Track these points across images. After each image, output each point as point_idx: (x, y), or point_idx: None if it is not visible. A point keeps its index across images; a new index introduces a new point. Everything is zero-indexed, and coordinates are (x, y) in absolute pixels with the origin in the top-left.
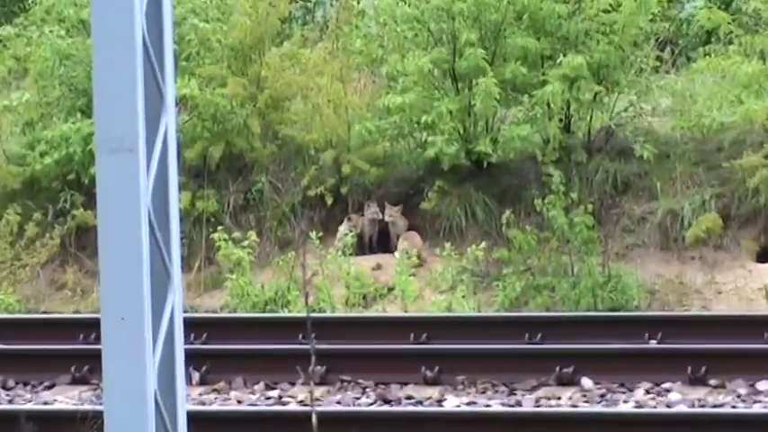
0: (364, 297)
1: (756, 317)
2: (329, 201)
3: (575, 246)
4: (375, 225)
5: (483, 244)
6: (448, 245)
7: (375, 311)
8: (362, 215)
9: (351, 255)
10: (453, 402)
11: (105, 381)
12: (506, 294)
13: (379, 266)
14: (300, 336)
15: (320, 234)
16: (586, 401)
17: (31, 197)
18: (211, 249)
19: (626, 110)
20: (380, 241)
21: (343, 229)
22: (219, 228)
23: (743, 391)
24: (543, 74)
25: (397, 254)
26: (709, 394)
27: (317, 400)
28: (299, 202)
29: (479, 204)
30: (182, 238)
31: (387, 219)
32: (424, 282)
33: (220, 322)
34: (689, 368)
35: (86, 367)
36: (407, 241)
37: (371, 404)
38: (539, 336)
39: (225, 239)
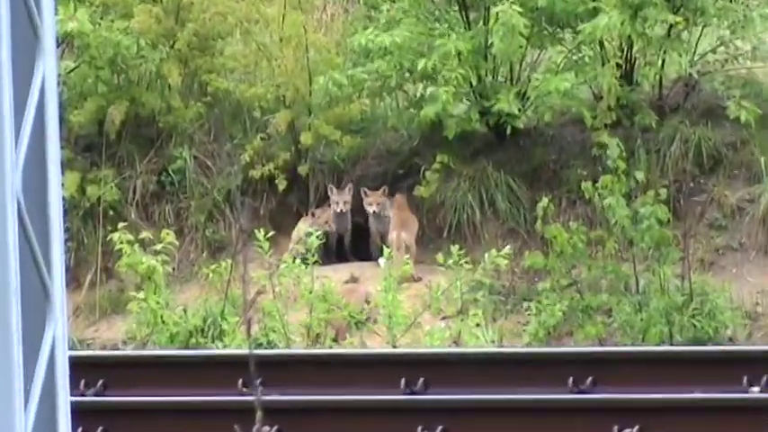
0: (333, 326)
1: None
2: (282, 185)
3: (641, 250)
4: (347, 220)
5: (507, 247)
6: (455, 249)
7: (349, 346)
8: (330, 206)
9: (314, 264)
10: None
11: None
12: (541, 321)
13: (354, 280)
14: (240, 382)
15: (269, 234)
16: None
17: None
18: (110, 257)
19: (714, 51)
20: (357, 244)
21: (302, 226)
22: (121, 225)
23: None
24: None
25: (381, 261)
26: None
27: None
28: (237, 188)
29: (501, 189)
30: (66, 241)
31: (368, 209)
32: (420, 302)
33: (124, 363)
34: None
35: None
36: (405, 233)
37: None
38: (588, 381)
39: (129, 242)
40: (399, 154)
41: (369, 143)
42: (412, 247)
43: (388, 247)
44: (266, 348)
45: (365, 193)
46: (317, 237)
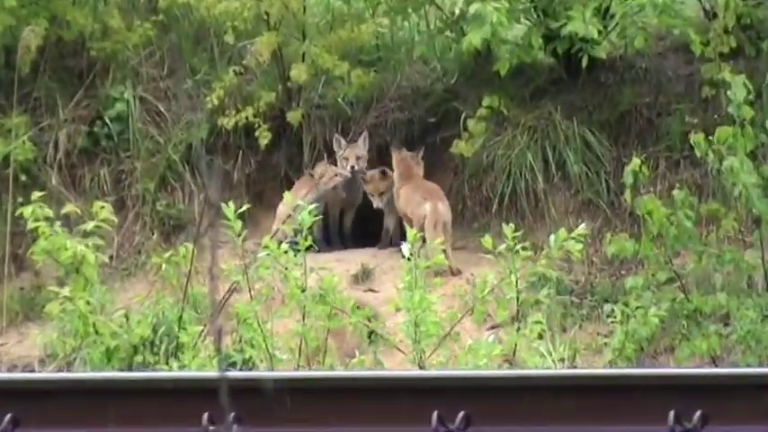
0: (335, 338)
1: None
2: (264, 140)
3: None
4: (357, 189)
5: (582, 227)
6: (509, 229)
7: (359, 367)
8: (332, 168)
9: (308, 251)
10: None
11: None
12: (630, 331)
13: (366, 273)
14: (206, 417)
15: (246, 208)
16: None
17: None
18: (21, 240)
19: None
20: (366, 224)
21: (291, 199)
22: (37, 195)
23: None
24: None
25: (405, 247)
26: None
27: None
28: (201, 143)
29: (574, 145)
30: None
31: (373, 202)
32: (458, 305)
33: (41, 390)
34: None
35: None
36: (442, 205)
37: None
38: (696, 416)
39: (48, 219)
40: (430, 95)
41: (387, 80)
42: (448, 225)
43: (413, 227)
44: (242, 370)
45: (364, 178)
46: (315, 212)
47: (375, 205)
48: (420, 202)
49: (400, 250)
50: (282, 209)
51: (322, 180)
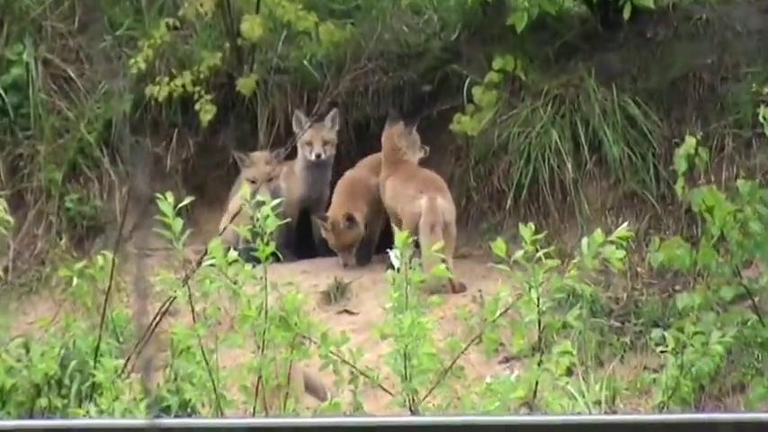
0: (302, 374)
1: None
2: (207, 114)
3: None
4: (327, 176)
5: (624, 227)
6: (527, 230)
7: (332, 412)
8: (266, 157)
9: (268, 260)
10: None
11: None
12: (686, 365)
13: (340, 290)
14: None
15: (185, 203)
16: None
17: None
18: None
19: None
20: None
21: (245, 189)
22: None
23: None
24: None
25: (394, 255)
26: None
27: None
28: (125, 119)
29: (612, 120)
30: None
31: (349, 224)
32: (461, 331)
33: None
34: None
35: None
36: (443, 199)
37: None
38: None
39: None
40: (424, 56)
41: (366, 36)
42: (451, 227)
43: (402, 229)
44: (179, 416)
45: (322, 223)
46: (275, 209)
47: (342, 263)
48: (413, 196)
49: (388, 259)
50: (234, 205)
51: (274, 173)
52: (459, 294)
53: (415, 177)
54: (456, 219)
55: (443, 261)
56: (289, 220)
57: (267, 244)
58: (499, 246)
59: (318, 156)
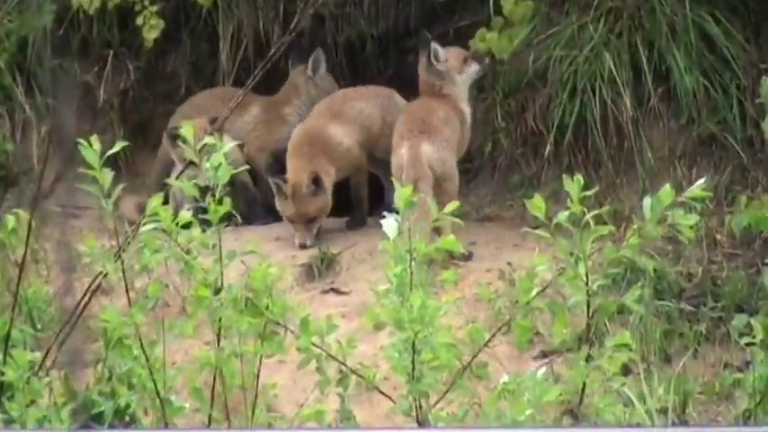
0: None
1: None
2: (151, 33)
3: None
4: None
5: (701, 182)
6: (574, 182)
7: (314, 423)
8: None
9: (225, 223)
10: None
11: None
12: None
13: (325, 263)
14: None
15: (120, 147)
16: None
17: None
18: None
19: None
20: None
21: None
22: None
23: None
24: None
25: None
26: None
27: None
28: (45, 37)
29: (684, 40)
30: None
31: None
32: (483, 316)
33: None
34: None
35: None
36: (428, 145)
37: None
38: None
39: None
40: None
41: None
42: (451, 182)
43: (392, 184)
44: (113, 427)
45: (279, 185)
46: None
47: (298, 243)
48: (396, 143)
49: (381, 223)
50: (177, 149)
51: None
52: (468, 265)
53: (407, 116)
54: (478, 169)
55: (436, 229)
56: (246, 168)
57: (220, 202)
58: (537, 204)
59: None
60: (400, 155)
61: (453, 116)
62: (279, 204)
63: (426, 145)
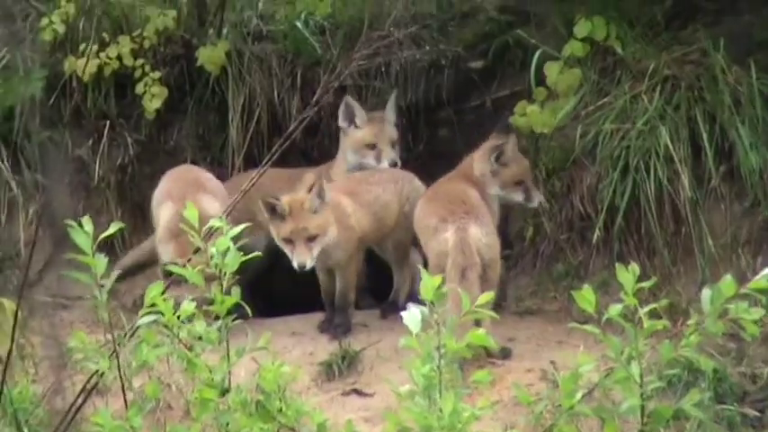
0: None
1: None
2: (154, 102)
3: None
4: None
5: (766, 271)
6: (627, 272)
7: None
8: (351, 150)
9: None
10: None
11: None
12: None
13: (347, 360)
14: None
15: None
16: None
17: None
18: None
19: None
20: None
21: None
22: None
23: None
24: None
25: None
26: None
27: None
28: (34, 106)
29: (750, 112)
30: None
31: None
32: (522, 422)
33: None
34: None
35: None
36: (477, 227)
37: None
38: None
39: None
40: (473, 17)
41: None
42: (496, 270)
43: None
44: None
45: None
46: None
47: (296, 263)
48: (436, 226)
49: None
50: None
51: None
52: (504, 366)
53: (443, 196)
54: (518, 256)
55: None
56: (258, 254)
57: (228, 292)
58: (586, 296)
59: (395, 164)
60: (443, 240)
61: (484, 201)
62: (274, 229)
63: (474, 228)
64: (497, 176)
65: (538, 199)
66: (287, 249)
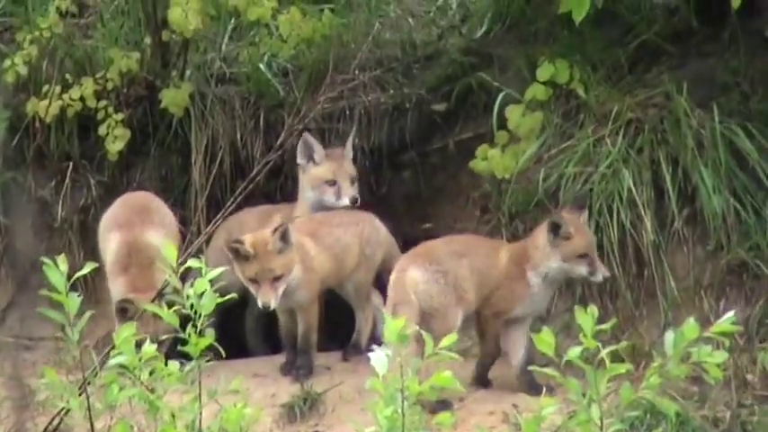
0: None
1: None
2: (117, 144)
3: None
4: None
5: (730, 315)
6: (586, 316)
7: None
8: (310, 187)
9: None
10: None
11: None
12: None
13: (308, 402)
14: None
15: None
16: None
17: None
18: None
19: None
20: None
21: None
22: None
23: None
24: None
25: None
26: None
27: None
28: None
29: (712, 156)
30: None
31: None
32: None
33: None
34: None
35: None
36: (397, 280)
37: None
38: None
39: None
40: (437, 60)
41: (355, 30)
42: (441, 322)
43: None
44: None
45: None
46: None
47: (260, 302)
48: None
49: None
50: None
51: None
52: (482, 410)
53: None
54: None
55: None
56: (233, 296)
57: (201, 334)
58: (544, 340)
59: (355, 201)
60: (391, 279)
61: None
62: (239, 269)
63: (416, 271)
64: (558, 249)
65: (602, 273)
66: (252, 289)
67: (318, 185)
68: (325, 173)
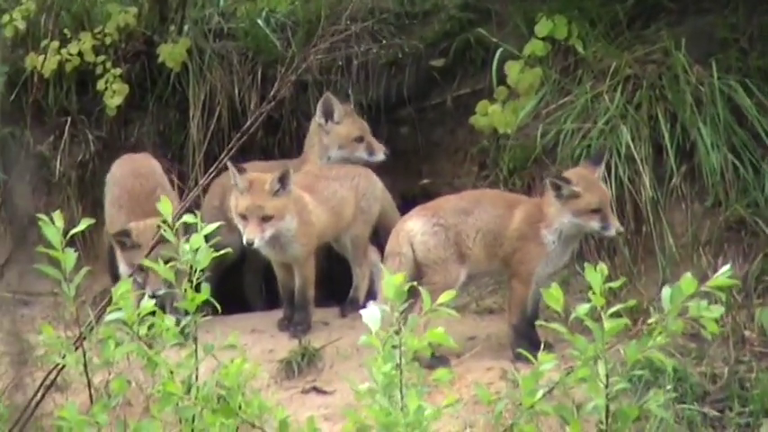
0: None
1: None
2: (115, 99)
3: None
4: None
5: (725, 269)
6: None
7: None
8: (333, 144)
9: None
10: None
11: None
12: None
13: (307, 358)
14: None
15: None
16: None
17: None
18: None
19: None
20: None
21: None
22: None
23: None
24: None
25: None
26: None
27: None
28: None
29: (711, 112)
30: None
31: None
32: (482, 421)
33: None
34: None
35: None
36: (397, 232)
37: None
38: None
39: None
40: (434, 15)
41: None
42: (438, 273)
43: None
44: None
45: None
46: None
47: (245, 239)
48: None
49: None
50: (148, 227)
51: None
52: (480, 366)
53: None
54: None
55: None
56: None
57: (198, 289)
58: (554, 295)
59: (387, 155)
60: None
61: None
62: (233, 200)
63: (415, 222)
64: (568, 205)
65: (615, 228)
66: (241, 226)
67: (347, 144)
68: (353, 130)
